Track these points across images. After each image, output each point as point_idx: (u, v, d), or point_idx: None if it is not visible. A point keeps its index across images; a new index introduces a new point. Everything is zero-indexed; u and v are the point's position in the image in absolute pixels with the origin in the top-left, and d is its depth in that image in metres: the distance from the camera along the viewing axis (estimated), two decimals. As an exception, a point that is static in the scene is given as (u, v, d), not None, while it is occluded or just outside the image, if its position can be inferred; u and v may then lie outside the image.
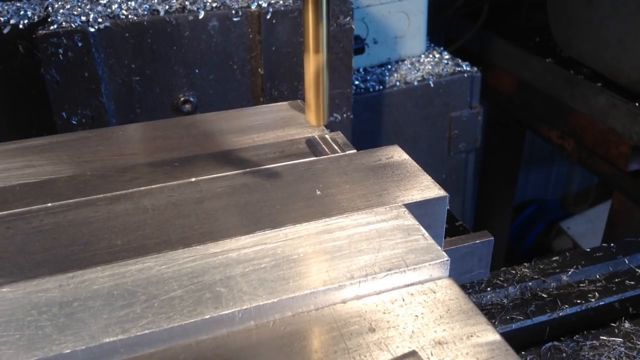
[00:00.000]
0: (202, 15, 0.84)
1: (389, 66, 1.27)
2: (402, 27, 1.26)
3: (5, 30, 0.80)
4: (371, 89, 1.19)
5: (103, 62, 0.83)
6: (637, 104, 1.16)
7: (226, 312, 0.36)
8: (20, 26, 0.80)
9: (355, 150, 0.54)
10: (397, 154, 0.53)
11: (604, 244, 0.70)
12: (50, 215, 0.45)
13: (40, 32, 0.78)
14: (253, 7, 0.86)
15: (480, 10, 1.51)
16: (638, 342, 0.58)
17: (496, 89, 1.55)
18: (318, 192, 0.47)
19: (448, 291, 0.39)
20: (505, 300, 0.62)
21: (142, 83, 0.86)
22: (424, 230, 0.43)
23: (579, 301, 0.62)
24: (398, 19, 1.24)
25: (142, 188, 0.48)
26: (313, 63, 0.47)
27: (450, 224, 0.63)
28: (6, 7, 0.84)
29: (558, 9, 1.31)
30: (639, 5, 1.10)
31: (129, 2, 0.84)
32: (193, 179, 0.49)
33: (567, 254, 0.69)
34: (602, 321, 0.62)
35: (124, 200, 0.47)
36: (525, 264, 0.67)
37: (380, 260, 0.40)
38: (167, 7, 0.84)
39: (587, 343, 0.58)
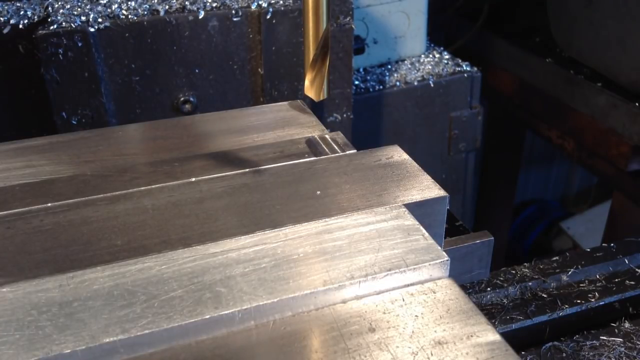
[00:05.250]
0: (202, 15, 0.84)
1: (389, 66, 1.27)
2: (402, 27, 1.26)
3: (5, 30, 0.80)
4: (371, 89, 1.19)
5: (103, 62, 0.83)
6: (637, 104, 1.16)
7: (226, 312, 0.36)
8: (20, 26, 0.80)
9: (355, 150, 0.54)
10: (397, 154, 0.53)
11: (604, 244, 0.70)
12: (50, 215, 0.45)
13: (40, 32, 0.78)
14: (253, 7, 0.86)
15: (480, 10, 1.51)
16: (638, 342, 0.58)
17: (496, 89, 1.55)
18: (318, 192, 0.47)
19: (448, 291, 0.39)
20: (505, 300, 0.62)
21: (142, 83, 0.86)
22: (424, 230, 0.43)
23: (579, 301, 0.62)
24: (398, 19, 1.24)
25: (142, 188, 0.48)
26: (314, 33, 0.46)
27: (450, 224, 0.63)
28: (6, 7, 0.84)
29: (558, 9, 1.31)
30: (639, 5, 1.10)
31: (129, 2, 0.84)
32: (193, 179, 0.49)
33: (567, 254, 0.69)
34: (602, 321, 0.62)
35: (124, 200, 0.47)
36: (525, 264, 0.67)
37: (380, 260, 0.40)
38: (167, 7, 0.84)
39: (587, 343, 0.58)
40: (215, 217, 0.45)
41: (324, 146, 0.55)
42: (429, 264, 0.40)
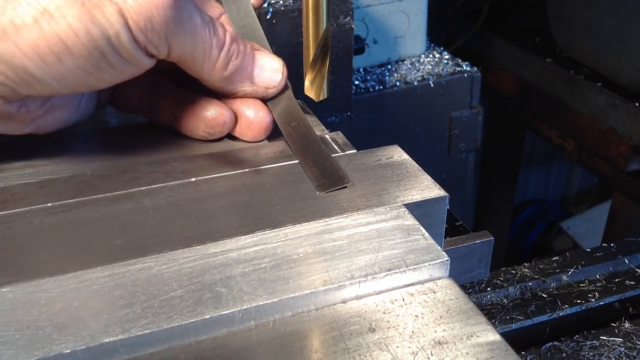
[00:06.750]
0: (202, 15, 0.84)
1: (389, 66, 1.27)
2: (402, 27, 1.26)
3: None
4: (371, 89, 1.19)
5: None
6: (637, 104, 1.16)
7: (226, 312, 0.36)
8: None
9: (355, 150, 0.54)
10: (397, 154, 0.53)
11: (604, 244, 0.70)
12: (50, 215, 0.45)
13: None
14: (253, 7, 0.86)
15: (480, 10, 1.51)
16: (638, 342, 0.58)
17: (496, 89, 1.55)
18: (318, 192, 0.47)
19: (448, 291, 0.39)
20: (505, 300, 0.62)
21: (142, 83, 0.86)
22: (424, 230, 0.43)
23: (579, 301, 0.62)
24: (398, 19, 1.24)
25: (142, 188, 0.48)
26: (314, 33, 0.46)
27: (450, 224, 0.63)
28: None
29: (558, 9, 1.31)
30: (639, 5, 1.10)
31: (129, 2, 0.84)
32: (193, 179, 0.49)
33: (567, 254, 0.69)
34: (602, 321, 0.62)
35: (124, 200, 0.47)
36: (525, 264, 0.67)
37: (380, 260, 0.40)
38: (167, 7, 0.84)
39: (587, 343, 0.58)
40: (215, 217, 0.45)
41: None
42: (429, 264, 0.40)
